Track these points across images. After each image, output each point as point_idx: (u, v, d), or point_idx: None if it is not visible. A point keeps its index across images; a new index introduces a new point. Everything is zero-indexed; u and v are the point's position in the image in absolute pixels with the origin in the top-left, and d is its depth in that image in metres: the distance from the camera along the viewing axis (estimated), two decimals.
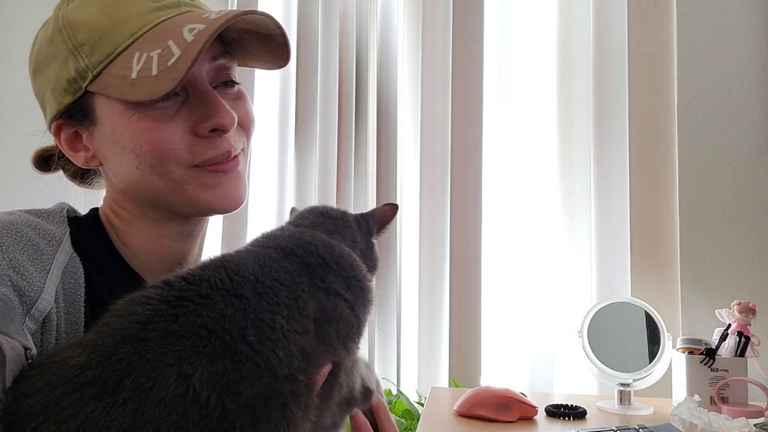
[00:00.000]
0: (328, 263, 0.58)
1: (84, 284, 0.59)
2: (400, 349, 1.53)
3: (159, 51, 0.57)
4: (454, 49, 1.51)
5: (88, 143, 0.64)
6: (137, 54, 0.58)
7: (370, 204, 1.59)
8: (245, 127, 0.67)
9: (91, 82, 0.60)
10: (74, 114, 0.63)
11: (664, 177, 1.38)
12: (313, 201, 1.58)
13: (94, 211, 0.69)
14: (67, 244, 0.60)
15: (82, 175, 0.73)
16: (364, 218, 0.69)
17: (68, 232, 0.61)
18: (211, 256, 0.57)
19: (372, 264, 0.68)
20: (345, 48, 1.61)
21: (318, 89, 1.59)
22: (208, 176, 0.62)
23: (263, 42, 0.66)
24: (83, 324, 0.57)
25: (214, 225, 1.62)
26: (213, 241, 1.62)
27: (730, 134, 1.34)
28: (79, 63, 0.60)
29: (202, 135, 0.61)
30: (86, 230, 0.65)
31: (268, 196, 1.64)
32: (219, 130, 0.62)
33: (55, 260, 0.57)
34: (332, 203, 1.58)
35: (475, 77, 1.50)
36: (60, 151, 0.69)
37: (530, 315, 1.44)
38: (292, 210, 0.74)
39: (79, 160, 0.66)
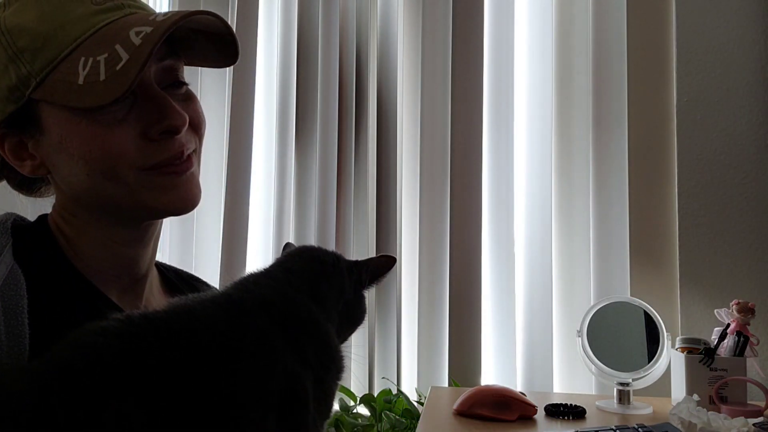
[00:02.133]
0: (305, 327, 0.56)
1: (26, 296, 0.56)
2: (400, 349, 1.54)
3: (106, 55, 0.56)
4: (454, 49, 1.51)
5: (35, 151, 0.62)
6: (83, 59, 0.56)
7: (370, 204, 1.59)
8: (196, 127, 0.65)
9: (34, 89, 0.58)
10: (18, 122, 0.61)
11: (663, 177, 1.38)
12: (313, 202, 1.58)
13: (43, 218, 0.67)
14: (7, 256, 0.58)
15: (28, 185, 0.71)
16: (357, 267, 0.66)
17: (10, 243, 0.59)
18: (181, 298, 0.55)
19: (358, 317, 0.65)
20: (345, 48, 1.61)
21: (318, 89, 1.60)
22: (161, 179, 0.61)
23: (211, 41, 0.64)
24: (28, 337, 0.55)
25: (215, 227, 1.62)
26: (213, 242, 1.62)
27: (730, 134, 1.34)
28: (20, 70, 0.58)
29: (153, 138, 0.60)
30: (33, 240, 0.63)
31: (268, 197, 1.64)
32: (170, 132, 0.60)
33: None
34: (332, 204, 1.58)
35: (475, 77, 1.50)
36: (3, 160, 0.67)
37: (529, 315, 1.44)
38: (286, 246, 0.70)
39: (25, 169, 0.63)
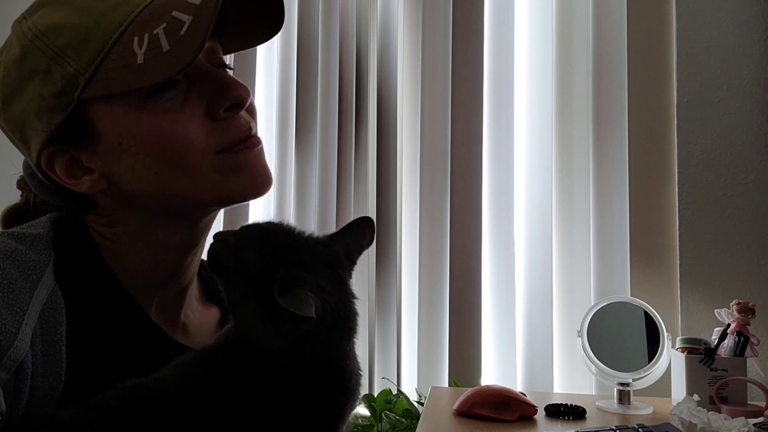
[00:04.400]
0: None
1: (65, 321, 0.53)
2: (400, 349, 1.54)
3: (164, 25, 0.52)
4: (454, 49, 1.51)
5: (91, 164, 0.57)
6: (136, 38, 0.52)
7: (371, 205, 1.59)
8: (252, 110, 0.61)
9: (84, 88, 0.53)
10: (67, 134, 0.56)
11: (663, 177, 1.38)
12: (313, 202, 1.58)
13: (83, 223, 0.62)
14: (48, 276, 0.54)
15: (75, 206, 0.64)
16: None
17: (52, 260, 0.55)
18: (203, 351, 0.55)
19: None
20: (345, 48, 1.61)
21: (318, 89, 1.60)
22: (234, 158, 0.57)
23: (250, 12, 0.60)
24: (65, 366, 0.52)
25: (215, 227, 1.61)
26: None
27: (730, 134, 1.34)
28: (65, 69, 0.53)
29: (219, 116, 0.56)
30: (76, 253, 0.58)
31: (267, 197, 1.64)
32: (236, 106, 0.57)
33: (33, 299, 0.51)
34: (332, 204, 1.58)
35: (475, 77, 1.50)
36: (32, 207, 0.63)
37: (529, 315, 1.44)
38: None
39: (83, 186, 0.58)
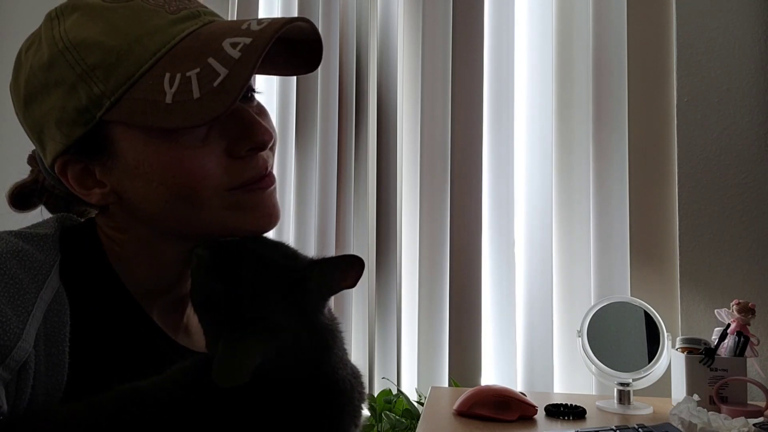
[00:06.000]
0: None
1: (69, 322, 0.53)
2: (400, 349, 1.54)
3: (197, 70, 0.51)
4: (454, 49, 1.51)
5: (104, 178, 0.57)
6: (167, 75, 0.51)
7: (370, 204, 1.59)
8: (272, 146, 0.61)
9: (108, 110, 0.52)
10: (85, 147, 0.55)
11: (663, 177, 1.38)
12: (313, 202, 1.58)
13: (92, 227, 0.62)
14: (54, 277, 0.54)
15: (66, 208, 0.66)
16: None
17: (58, 261, 0.56)
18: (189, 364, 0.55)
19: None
20: (345, 48, 1.61)
21: (318, 89, 1.60)
22: (246, 197, 0.57)
23: (291, 47, 0.59)
24: (67, 366, 0.52)
25: None
26: None
27: (730, 134, 1.34)
28: (92, 89, 0.52)
29: (238, 155, 0.56)
30: (82, 255, 0.59)
31: None
32: (257, 148, 0.57)
33: (38, 299, 0.52)
34: (332, 204, 1.58)
35: (475, 77, 1.50)
36: (41, 186, 0.64)
37: (529, 315, 1.44)
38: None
39: (93, 198, 0.58)
